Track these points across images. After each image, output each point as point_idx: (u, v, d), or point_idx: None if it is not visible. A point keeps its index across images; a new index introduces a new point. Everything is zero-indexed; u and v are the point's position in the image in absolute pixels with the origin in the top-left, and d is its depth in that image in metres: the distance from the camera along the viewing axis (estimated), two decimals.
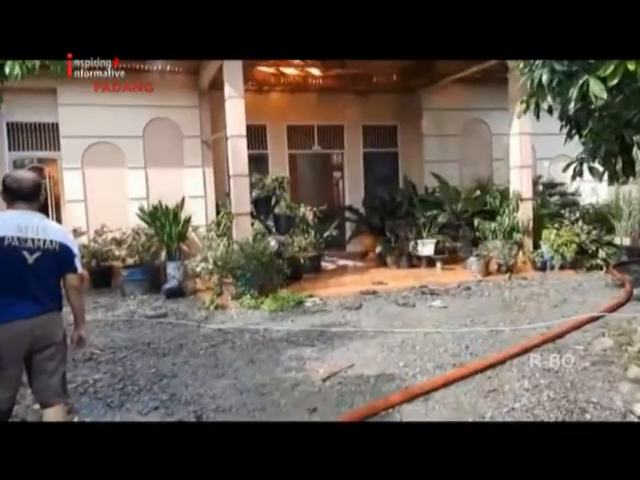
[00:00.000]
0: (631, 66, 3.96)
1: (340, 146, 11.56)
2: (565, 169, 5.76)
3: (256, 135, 10.48)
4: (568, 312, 5.93)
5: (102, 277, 8.55)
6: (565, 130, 5.77)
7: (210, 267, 7.42)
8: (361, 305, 6.79)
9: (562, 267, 8.45)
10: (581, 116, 5.61)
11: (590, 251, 8.52)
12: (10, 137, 8.93)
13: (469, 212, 9.51)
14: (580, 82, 4.43)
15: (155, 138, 9.44)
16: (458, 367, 4.35)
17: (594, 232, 8.66)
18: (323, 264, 9.54)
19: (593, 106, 5.15)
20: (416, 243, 9.20)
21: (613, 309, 5.86)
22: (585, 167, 5.57)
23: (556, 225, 8.81)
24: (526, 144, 9.01)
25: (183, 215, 8.93)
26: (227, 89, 7.60)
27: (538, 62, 4.89)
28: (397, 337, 5.31)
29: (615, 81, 4.13)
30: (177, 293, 7.78)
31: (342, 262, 10.26)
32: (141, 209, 8.86)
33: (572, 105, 4.77)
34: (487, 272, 8.36)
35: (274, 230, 8.69)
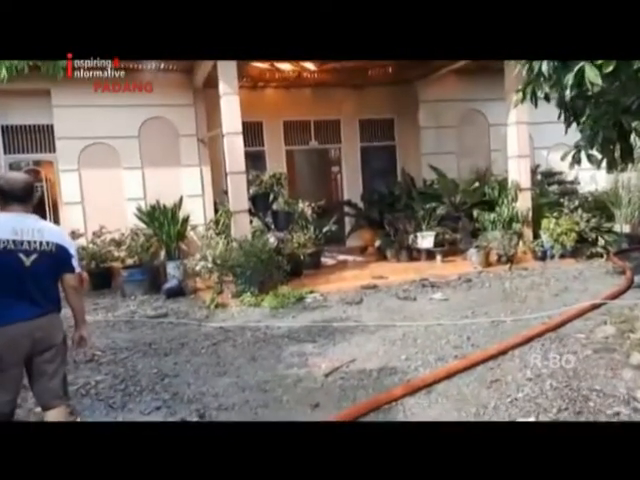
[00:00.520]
0: None
1: (337, 141, 11.52)
2: (563, 157, 5.74)
3: (252, 132, 10.45)
4: (569, 301, 5.91)
5: (102, 278, 8.53)
6: (563, 118, 5.75)
7: (210, 266, 7.40)
8: (362, 300, 6.77)
9: (562, 256, 8.44)
10: (578, 103, 5.58)
11: (590, 239, 8.51)
12: (5, 140, 8.89)
13: (468, 204, 9.49)
14: (576, 69, 4.40)
15: (151, 138, 9.41)
16: (460, 359, 4.34)
17: (594, 220, 8.64)
18: (323, 260, 9.52)
19: (590, 93, 5.12)
20: (415, 236, 9.18)
21: (614, 296, 5.85)
22: (583, 155, 5.55)
23: (555, 214, 8.79)
24: (523, 133, 8.98)
25: (181, 214, 8.90)
26: (221, 86, 7.57)
27: None
28: (398, 330, 5.30)
29: (610, 68, 4.10)
30: (177, 293, 7.77)
31: (342, 257, 10.24)
32: (139, 209, 8.83)
33: (568, 92, 4.74)
34: (487, 263, 8.34)
35: (273, 227, 8.67)
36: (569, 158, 5.65)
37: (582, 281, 7.05)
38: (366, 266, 9.16)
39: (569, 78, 4.50)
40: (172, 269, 8.27)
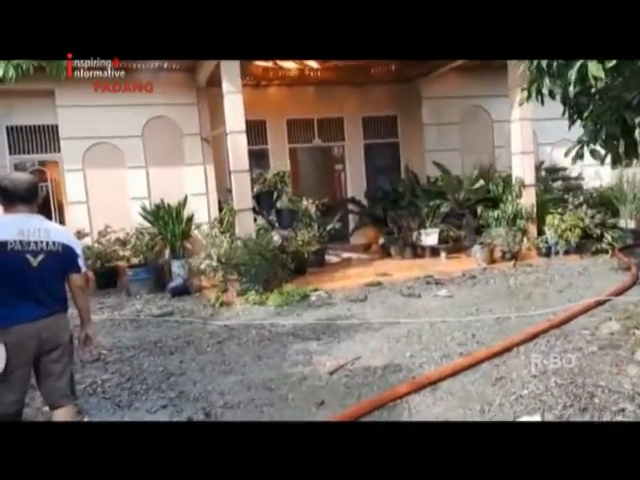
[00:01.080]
0: None
1: (340, 138, 11.52)
2: (566, 153, 5.72)
3: (256, 130, 10.46)
4: (574, 297, 5.91)
5: (107, 278, 8.57)
6: (566, 115, 5.74)
7: (214, 264, 7.42)
8: (366, 297, 6.78)
9: (567, 252, 8.42)
10: (582, 100, 5.57)
11: (595, 235, 8.49)
12: (10, 141, 8.94)
13: (472, 200, 9.48)
14: (578, 64, 4.39)
15: (155, 137, 9.44)
16: (465, 356, 4.35)
17: (598, 216, 8.62)
18: (327, 257, 9.53)
19: (594, 89, 5.11)
20: (419, 233, 9.19)
21: (619, 293, 5.84)
22: (586, 150, 5.54)
23: (560, 210, 8.78)
24: (527, 130, 8.97)
25: (185, 213, 8.92)
26: (225, 85, 7.58)
27: None
28: (403, 328, 5.31)
29: (613, 62, 4.09)
30: (182, 291, 7.80)
31: (346, 255, 10.25)
32: (143, 208, 8.86)
33: (572, 88, 4.73)
34: (492, 260, 8.34)
35: (277, 225, 8.68)
36: (572, 154, 5.63)
37: (587, 277, 7.04)
38: (370, 264, 9.17)
39: (572, 73, 4.49)
40: (177, 268, 8.30)
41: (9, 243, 2.60)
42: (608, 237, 8.44)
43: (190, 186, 9.59)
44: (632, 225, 9.76)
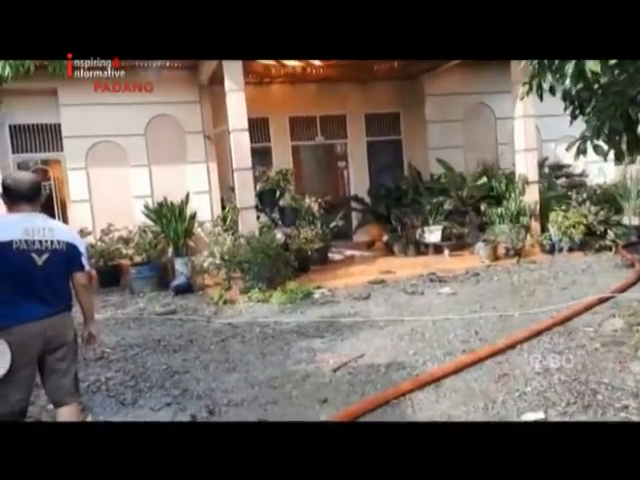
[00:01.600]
0: None
1: (343, 136, 11.51)
2: (569, 148, 5.69)
3: (258, 128, 10.45)
4: (578, 294, 5.90)
5: (110, 276, 8.59)
6: (569, 110, 5.71)
7: (217, 262, 7.43)
8: (369, 295, 6.79)
9: (571, 249, 8.40)
10: (584, 95, 5.54)
11: (598, 232, 8.47)
12: (13, 139, 8.96)
13: (475, 197, 9.47)
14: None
15: (157, 135, 9.45)
16: (468, 353, 4.34)
17: (602, 213, 8.60)
18: (330, 255, 9.53)
19: (597, 85, 5.10)
20: (423, 230, 9.18)
21: (623, 289, 5.83)
22: (589, 145, 5.51)
23: (563, 207, 8.76)
24: (530, 127, 8.94)
25: (188, 211, 8.93)
26: (227, 83, 7.58)
27: None
28: (406, 325, 5.31)
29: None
30: (185, 289, 7.81)
31: (349, 252, 10.24)
32: (146, 207, 8.87)
33: (568, 81, 4.71)
34: (495, 257, 8.32)
35: (280, 222, 8.69)
36: (574, 149, 5.61)
37: (590, 274, 7.02)
38: (373, 261, 9.16)
39: (569, 67, 4.48)
40: (180, 266, 8.32)
41: (14, 242, 2.61)
42: (612, 234, 8.41)
43: (193, 184, 9.61)
44: (636, 222, 9.72)
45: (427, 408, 3.45)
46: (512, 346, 4.37)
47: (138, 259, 8.65)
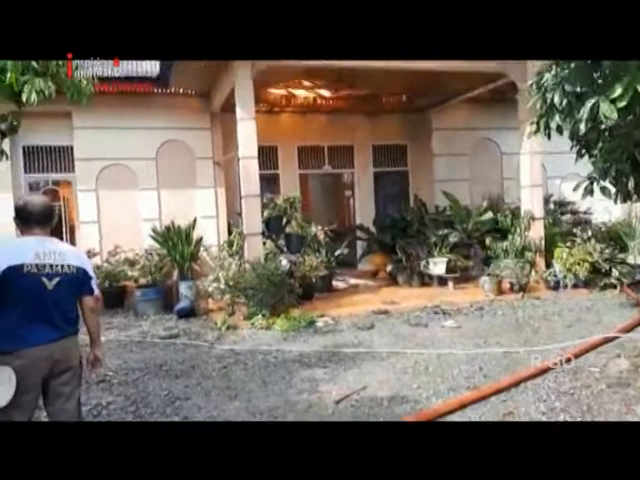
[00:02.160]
0: None
1: (350, 166, 11.64)
2: (575, 188, 5.75)
3: (267, 156, 10.59)
4: (582, 332, 5.87)
5: (115, 297, 8.61)
6: (575, 149, 5.78)
7: (222, 287, 7.45)
8: (373, 325, 6.77)
9: (575, 286, 8.38)
10: (591, 136, 5.62)
11: (603, 270, 8.45)
12: (26, 160, 9.10)
13: (480, 231, 9.50)
14: (590, 104, 4.45)
15: (168, 160, 9.59)
16: (472, 389, 4.32)
17: (607, 251, 8.60)
18: (334, 283, 9.54)
19: (603, 126, 5.16)
20: (427, 262, 9.19)
21: (628, 329, 5.80)
22: (596, 186, 5.56)
23: (568, 244, 8.77)
24: (536, 163, 9.02)
25: (195, 235, 9.01)
26: (238, 111, 7.71)
27: (549, 84, 4.93)
28: (410, 358, 5.29)
29: (624, 103, 4.16)
30: (189, 313, 7.81)
31: (353, 281, 10.25)
32: (154, 230, 8.94)
33: (582, 125, 4.78)
34: (500, 291, 8.31)
35: (285, 249, 8.72)
36: (582, 190, 5.66)
37: (595, 312, 6.99)
38: (378, 291, 9.16)
39: (584, 112, 4.55)
40: (184, 289, 8.34)
41: (25, 266, 2.63)
42: (616, 272, 8.40)
43: (201, 208, 9.70)
44: None
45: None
46: (516, 384, 4.34)
47: (143, 281, 8.68)
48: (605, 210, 10.78)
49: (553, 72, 5.07)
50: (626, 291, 8.06)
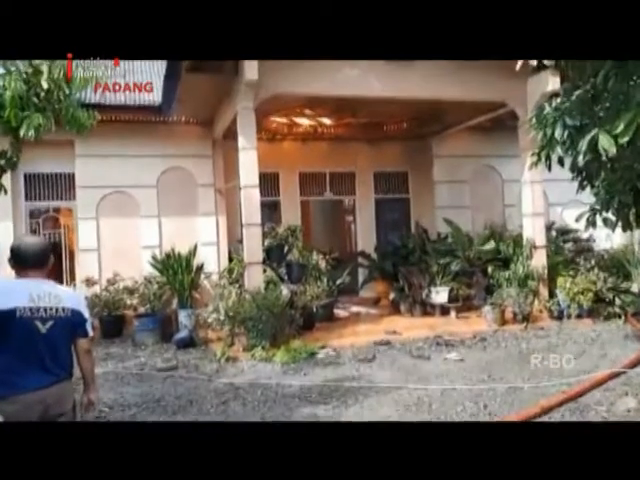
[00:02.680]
0: None
1: (352, 192, 11.64)
2: (578, 219, 5.71)
3: (269, 182, 10.60)
4: (588, 366, 5.77)
5: (113, 326, 8.52)
6: (577, 180, 5.76)
7: (222, 318, 7.37)
8: (375, 357, 6.67)
9: (579, 316, 8.29)
10: (592, 167, 5.60)
11: (607, 299, 8.38)
12: (27, 187, 9.12)
13: (482, 259, 9.44)
14: (590, 136, 4.44)
15: (169, 187, 9.60)
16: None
17: (610, 280, 8.53)
18: (335, 311, 9.44)
19: (604, 158, 5.15)
20: (429, 290, 9.11)
21: (635, 364, 5.70)
22: (598, 217, 5.53)
23: (571, 273, 8.70)
24: (538, 192, 9.00)
25: (195, 262, 8.96)
26: (240, 141, 7.72)
27: (549, 117, 4.93)
28: (412, 394, 5.18)
29: (627, 138, 4.14)
30: (188, 343, 7.72)
31: (355, 309, 10.16)
32: (154, 257, 8.91)
33: (581, 157, 4.77)
34: (503, 321, 8.22)
35: (286, 278, 8.66)
36: (584, 220, 5.62)
37: (600, 344, 6.89)
38: (379, 320, 9.06)
39: (583, 144, 4.54)
40: (184, 318, 8.26)
41: (18, 310, 2.58)
42: (620, 302, 8.31)
43: (201, 235, 9.68)
44: None
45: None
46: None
47: (142, 310, 8.61)
48: (607, 237, 10.73)
49: (554, 105, 5.09)
50: (631, 321, 7.96)
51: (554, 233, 10.68)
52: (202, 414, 4.89)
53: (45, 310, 2.65)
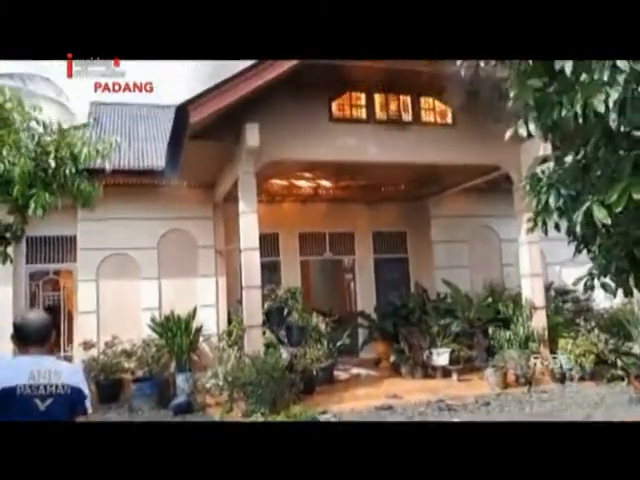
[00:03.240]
0: (636, 195, 4.09)
1: (351, 252, 11.75)
2: (576, 283, 5.75)
3: (268, 243, 10.69)
4: None
5: (111, 391, 8.38)
6: (573, 244, 5.84)
7: (220, 383, 7.27)
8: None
9: (582, 378, 8.21)
10: (588, 233, 5.69)
11: (609, 361, 8.30)
12: (28, 250, 9.19)
13: (482, 320, 9.41)
14: (585, 207, 4.54)
15: (170, 248, 9.68)
16: None
17: (611, 341, 8.49)
18: (336, 373, 9.33)
19: (601, 224, 5.24)
20: (430, 352, 9.03)
21: None
22: (597, 282, 5.56)
23: (572, 334, 8.67)
24: (535, 252, 9.11)
25: (194, 324, 8.93)
26: (241, 205, 7.87)
27: (544, 186, 5.06)
28: None
29: (620, 208, 4.24)
30: (186, 409, 7.56)
31: (355, 370, 10.02)
32: (153, 319, 8.88)
33: (578, 228, 4.85)
34: (505, 384, 8.11)
35: (286, 341, 8.60)
36: (582, 284, 5.66)
37: (605, 409, 6.79)
38: (380, 382, 8.93)
39: (579, 215, 4.63)
40: (182, 382, 8.15)
41: (18, 388, 2.57)
42: (622, 363, 8.23)
43: (201, 297, 9.69)
44: None
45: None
46: None
47: (140, 373, 8.50)
48: (606, 296, 10.71)
49: (547, 173, 5.23)
50: (634, 384, 7.85)
51: (553, 293, 10.69)
52: None
53: (45, 387, 2.64)
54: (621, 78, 3.13)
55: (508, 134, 7.15)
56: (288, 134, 7.73)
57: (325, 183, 10.38)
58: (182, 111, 7.12)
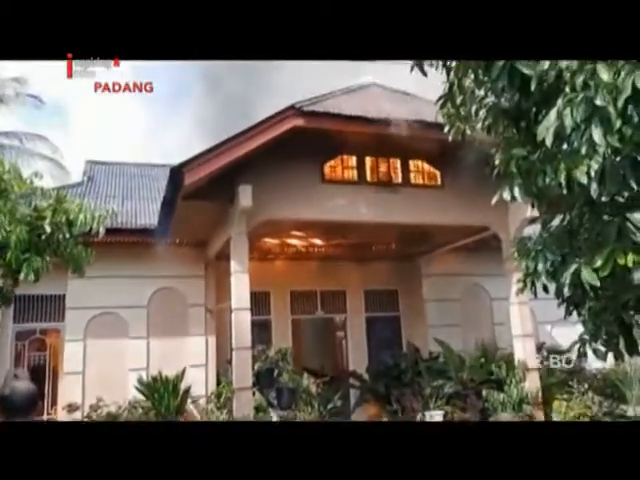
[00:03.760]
0: (620, 260, 4.16)
1: (343, 310, 11.71)
2: (569, 349, 5.75)
3: (260, 301, 10.64)
4: None
5: None
6: (563, 307, 5.87)
7: None
8: None
9: None
10: (577, 295, 5.74)
11: None
12: (16, 309, 9.05)
13: (476, 381, 9.30)
14: (572, 268, 4.60)
15: (159, 307, 9.61)
16: None
17: (605, 404, 8.39)
18: None
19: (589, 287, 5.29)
20: (423, 415, 8.86)
21: None
22: (588, 347, 5.56)
23: (565, 396, 8.57)
24: (526, 313, 9.13)
25: (183, 385, 8.73)
26: (233, 265, 7.89)
27: (532, 251, 5.15)
28: None
29: (606, 272, 4.30)
30: None
31: None
32: (139, 380, 8.68)
33: (567, 289, 4.90)
34: None
35: (276, 404, 8.42)
36: (575, 351, 5.65)
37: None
38: None
39: (567, 277, 4.70)
40: None
41: None
42: None
43: (190, 357, 9.53)
44: None
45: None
46: None
47: None
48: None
49: (534, 239, 5.33)
50: None
51: (545, 353, 10.63)
52: None
53: None
54: (601, 150, 3.27)
55: (495, 199, 7.33)
56: (281, 195, 7.86)
57: (317, 241, 10.47)
58: (177, 173, 7.26)
